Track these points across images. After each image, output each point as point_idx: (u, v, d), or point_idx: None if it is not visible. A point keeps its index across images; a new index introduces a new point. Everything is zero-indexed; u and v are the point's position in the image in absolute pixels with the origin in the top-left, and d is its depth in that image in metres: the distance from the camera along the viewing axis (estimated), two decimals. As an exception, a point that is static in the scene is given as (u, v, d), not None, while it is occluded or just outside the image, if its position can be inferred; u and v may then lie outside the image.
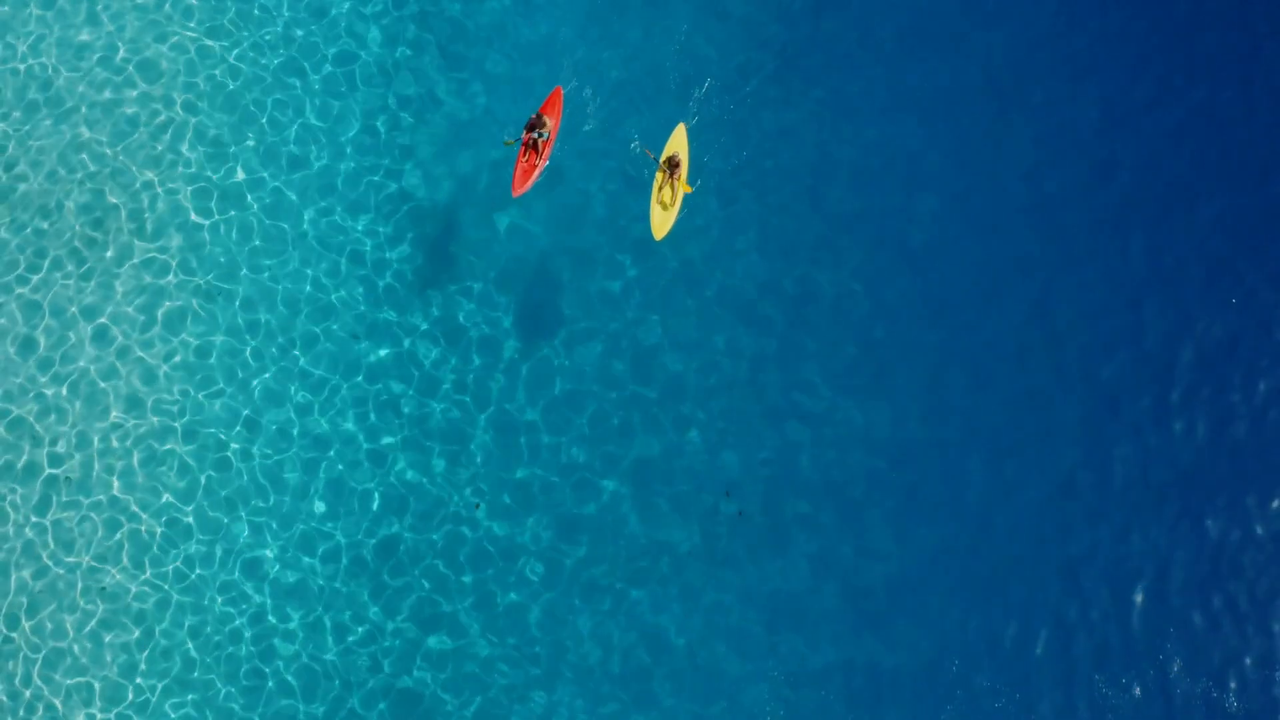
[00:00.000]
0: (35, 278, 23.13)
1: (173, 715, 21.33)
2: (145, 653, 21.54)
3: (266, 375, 22.79)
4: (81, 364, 22.73)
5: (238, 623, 21.73)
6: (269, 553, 21.96)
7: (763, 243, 23.14)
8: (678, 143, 22.42)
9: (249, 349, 22.89)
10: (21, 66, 24.27)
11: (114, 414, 22.48)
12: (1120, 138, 23.80)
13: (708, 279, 23.03)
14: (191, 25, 24.46)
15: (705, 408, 22.48)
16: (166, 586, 21.79)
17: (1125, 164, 23.67)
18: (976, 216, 23.54)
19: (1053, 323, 22.99)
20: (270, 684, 21.47)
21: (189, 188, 23.57)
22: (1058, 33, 24.41)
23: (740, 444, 22.37)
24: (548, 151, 22.26)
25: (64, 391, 22.61)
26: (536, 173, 22.18)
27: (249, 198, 23.63)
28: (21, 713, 21.35)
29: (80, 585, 21.82)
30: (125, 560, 21.92)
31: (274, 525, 22.11)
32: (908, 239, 23.48)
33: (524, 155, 22.05)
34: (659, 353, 22.72)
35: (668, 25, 24.11)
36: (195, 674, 21.44)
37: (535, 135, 21.83)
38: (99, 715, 21.32)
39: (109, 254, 23.28)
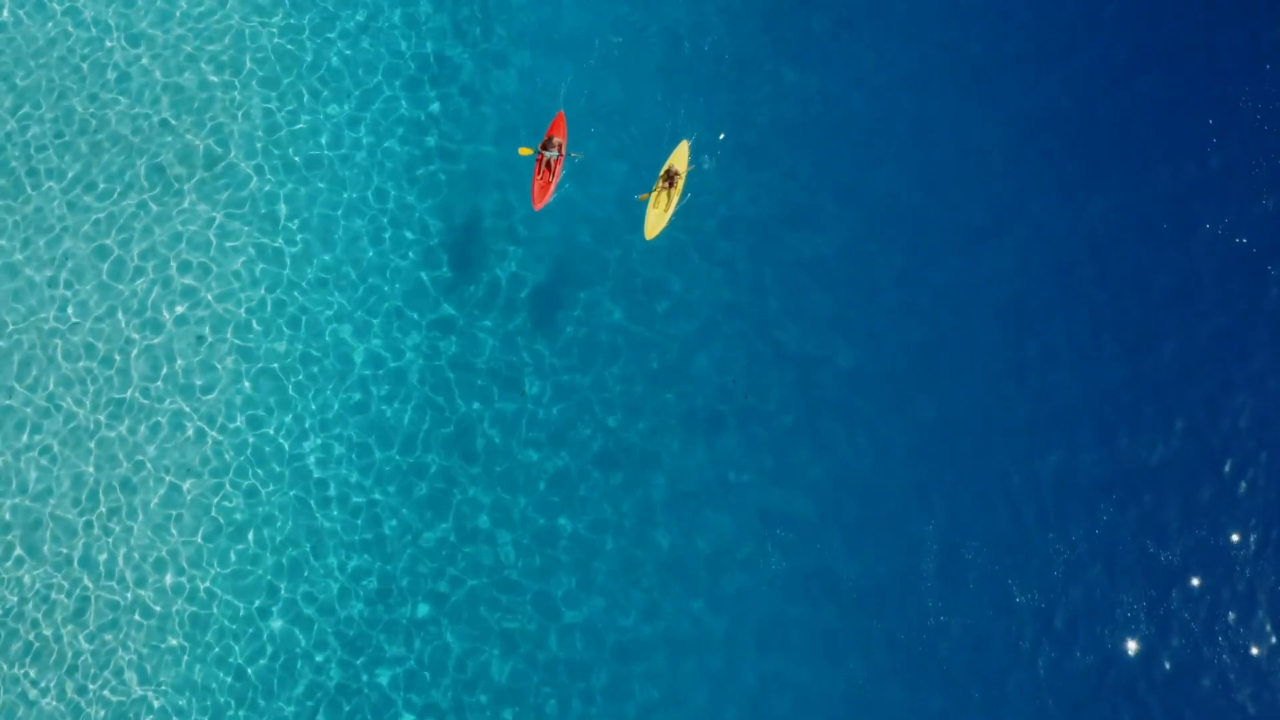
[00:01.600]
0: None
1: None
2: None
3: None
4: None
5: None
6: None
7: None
8: (679, 157, 24.42)
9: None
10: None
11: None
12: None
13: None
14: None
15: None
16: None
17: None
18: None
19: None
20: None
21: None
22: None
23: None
24: (559, 168, 24.26)
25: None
26: (552, 188, 24.33)
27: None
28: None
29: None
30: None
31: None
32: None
33: (539, 173, 24.20)
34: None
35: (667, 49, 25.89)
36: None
37: (548, 155, 24.02)
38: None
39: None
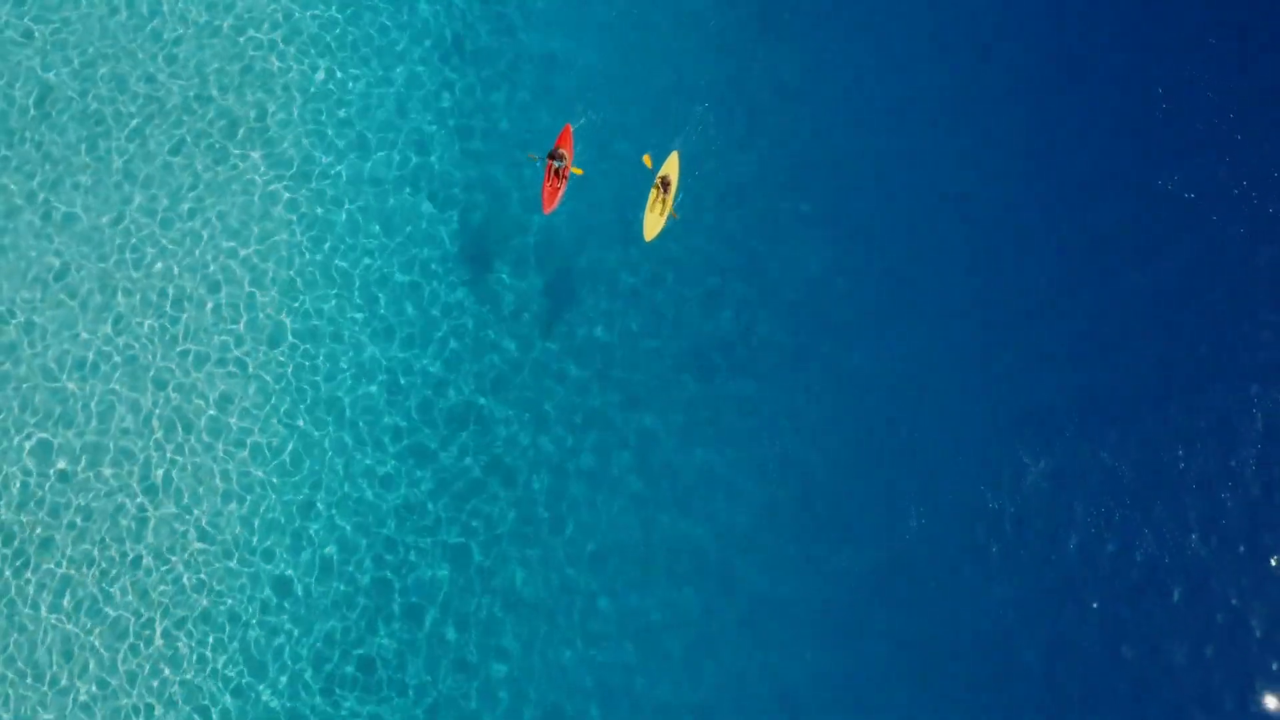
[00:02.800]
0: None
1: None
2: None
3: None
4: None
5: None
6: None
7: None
8: (670, 166, 26.96)
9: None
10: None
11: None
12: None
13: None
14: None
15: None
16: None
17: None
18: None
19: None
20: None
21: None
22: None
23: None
24: (566, 177, 26.79)
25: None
26: (560, 194, 26.69)
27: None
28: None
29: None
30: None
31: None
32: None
33: (548, 180, 26.65)
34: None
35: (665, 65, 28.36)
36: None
37: (556, 164, 26.43)
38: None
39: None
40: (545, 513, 25.64)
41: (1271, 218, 25.63)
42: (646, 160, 26.52)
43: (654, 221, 26.50)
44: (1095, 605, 24.16)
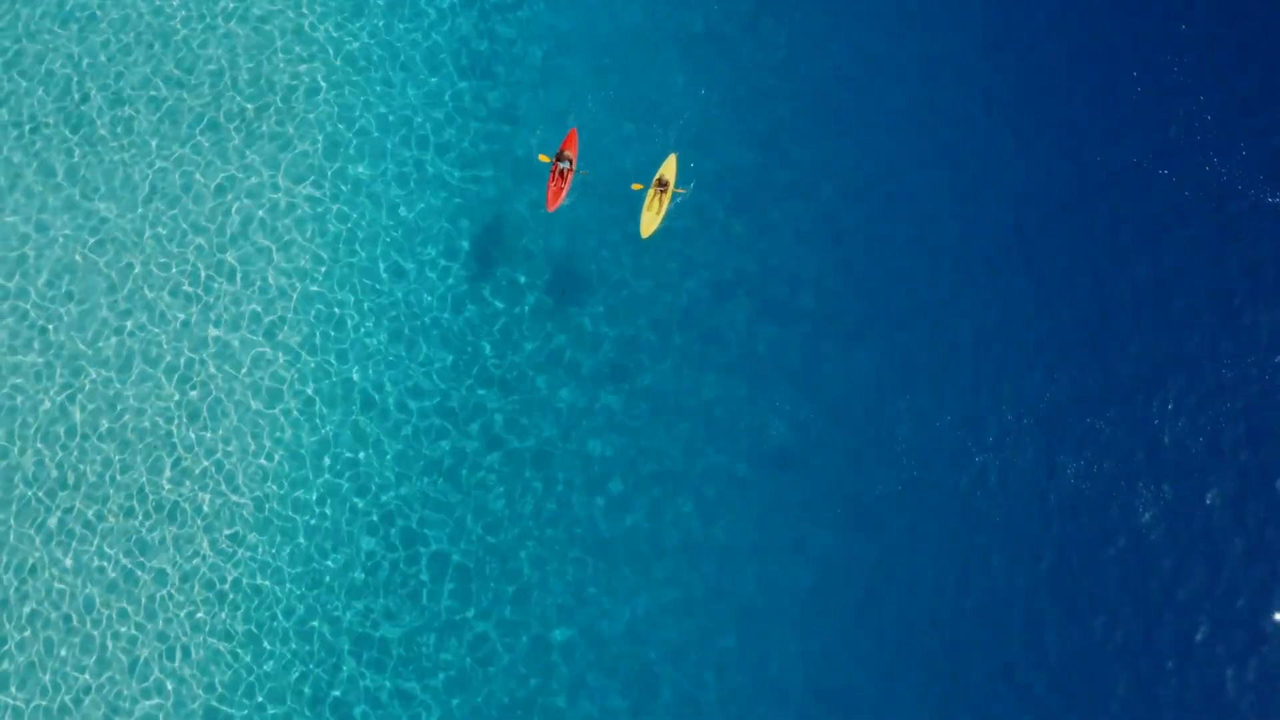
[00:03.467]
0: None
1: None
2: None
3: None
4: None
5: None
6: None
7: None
8: (668, 167, 28.47)
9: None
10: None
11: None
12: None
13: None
14: None
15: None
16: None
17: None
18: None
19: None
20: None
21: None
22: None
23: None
24: (570, 178, 28.40)
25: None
26: (563, 194, 28.34)
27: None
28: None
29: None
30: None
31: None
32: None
33: (553, 181, 28.30)
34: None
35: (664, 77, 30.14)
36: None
37: (561, 165, 28.08)
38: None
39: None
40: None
41: (1226, 180, 27.76)
42: (636, 186, 28.03)
43: (650, 220, 27.89)
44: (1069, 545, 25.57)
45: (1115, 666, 25.01)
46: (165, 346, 28.33)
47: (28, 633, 26.54)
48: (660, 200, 27.89)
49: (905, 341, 27.43)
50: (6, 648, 26.45)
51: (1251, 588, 25.12)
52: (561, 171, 28.02)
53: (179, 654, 26.16)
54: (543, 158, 28.29)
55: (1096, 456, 26.06)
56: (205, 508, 27.10)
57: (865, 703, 25.21)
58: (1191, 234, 27.41)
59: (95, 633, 26.39)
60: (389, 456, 27.28)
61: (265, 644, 26.13)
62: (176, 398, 27.90)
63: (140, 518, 27.11)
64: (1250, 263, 27.02)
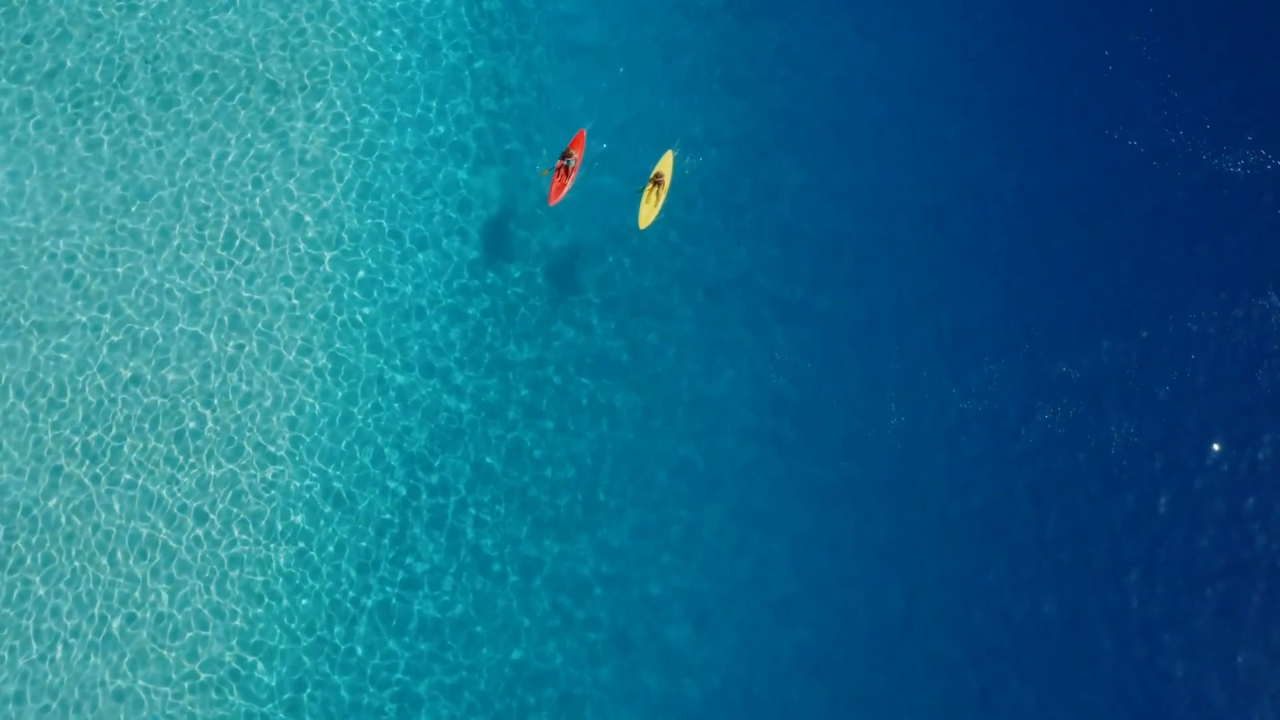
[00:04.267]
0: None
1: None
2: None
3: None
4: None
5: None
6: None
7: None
8: (665, 163, 30.54)
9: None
10: None
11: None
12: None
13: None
14: None
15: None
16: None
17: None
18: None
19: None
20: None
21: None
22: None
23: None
24: (574, 174, 30.24)
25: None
26: (566, 189, 30.18)
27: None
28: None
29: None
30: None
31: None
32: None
33: (557, 176, 30.10)
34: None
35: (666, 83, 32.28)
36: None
37: (565, 162, 29.90)
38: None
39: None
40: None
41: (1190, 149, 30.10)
42: (640, 190, 30.15)
43: (648, 212, 29.93)
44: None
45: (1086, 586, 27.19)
46: (203, 306, 30.26)
47: (78, 564, 28.40)
48: (657, 194, 29.99)
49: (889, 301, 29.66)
50: (57, 582, 28.27)
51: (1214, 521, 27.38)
52: (566, 168, 29.93)
53: (216, 588, 28.03)
54: (545, 173, 30.26)
55: (1070, 402, 28.36)
56: (245, 452, 29.03)
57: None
58: (1160, 198, 29.73)
59: (139, 568, 28.25)
60: (410, 402, 29.31)
61: (302, 577, 28.10)
62: (215, 351, 29.82)
63: (182, 462, 28.99)
64: (1213, 221, 29.36)
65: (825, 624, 27.48)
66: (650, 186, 29.81)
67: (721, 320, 29.71)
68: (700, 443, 28.80)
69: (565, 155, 29.92)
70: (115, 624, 27.94)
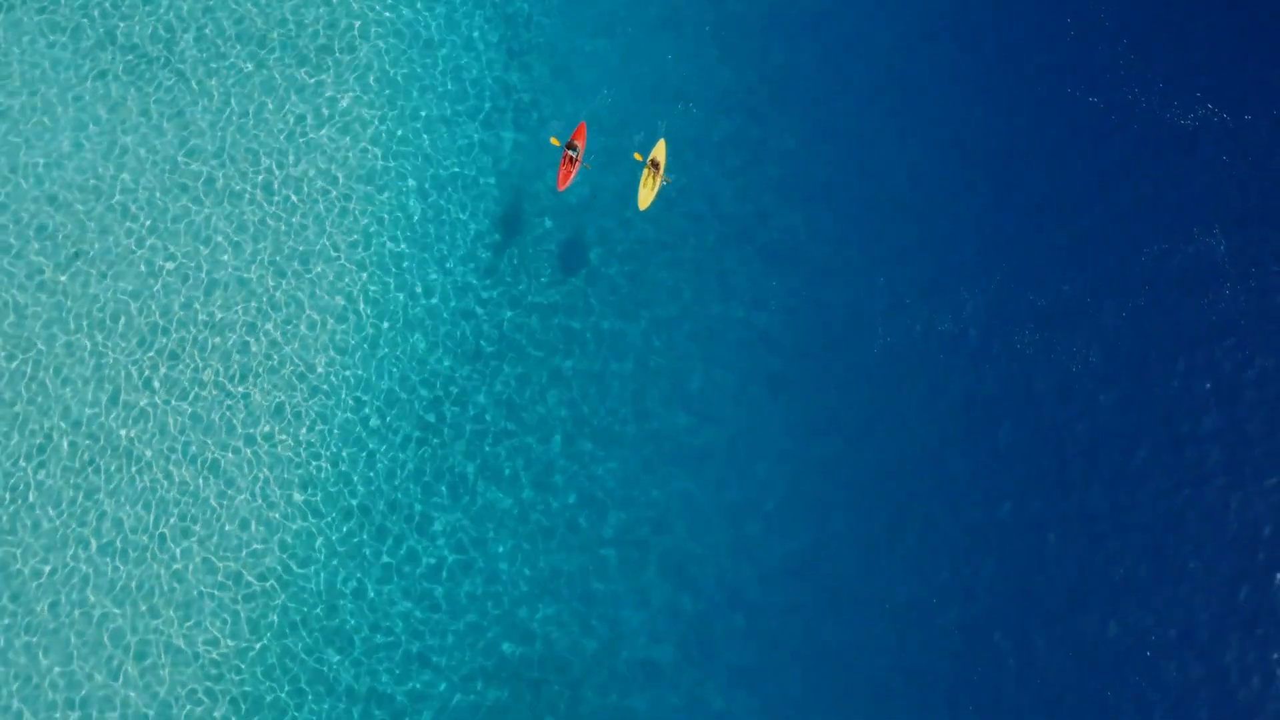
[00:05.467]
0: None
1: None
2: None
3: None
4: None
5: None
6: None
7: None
8: (659, 150, 33.38)
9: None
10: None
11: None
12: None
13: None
14: None
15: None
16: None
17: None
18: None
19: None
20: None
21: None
22: None
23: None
24: (579, 163, 33.12)
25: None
26: (571, 177, 32.98)
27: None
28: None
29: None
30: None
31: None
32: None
33: (564, 164, 32.95)
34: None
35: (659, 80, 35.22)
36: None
37: (571, 152, 32.68)
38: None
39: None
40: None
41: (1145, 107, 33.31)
42: (637, 156, 32.71)
43: (646, 195, 32.70)
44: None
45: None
46: (246, 246, 33.11)
47: (133, 469, 31.17)
48: (654, 179, 32.75)
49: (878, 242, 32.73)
50: (115, 485, 31.00)
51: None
52: (571, 158, 32.67)
53: (263, 497, 30.79)
54: (555, 141, 32.77)
55: (1036, 328, 31.43)
56: (287, 377, 31.85)
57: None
58: (1117, 148, 32.87)
59: (194, 480, 31.00)
60: (431, 326, 32.22)
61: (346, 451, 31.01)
62: (257, 288, 32.65)
63: (231, 389, 31.79)
64: (1165, 167, 32.50)
65: (810, 531, 30.41)
66: (647, 172, 32.60)
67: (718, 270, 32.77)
68: (697, 363, 31.87)
69: (570, 146, 32.67)
70: (170, 528, 30.71)
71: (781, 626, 29.71)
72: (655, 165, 32.68)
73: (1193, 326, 31.07)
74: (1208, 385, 30.77)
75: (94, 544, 30.68)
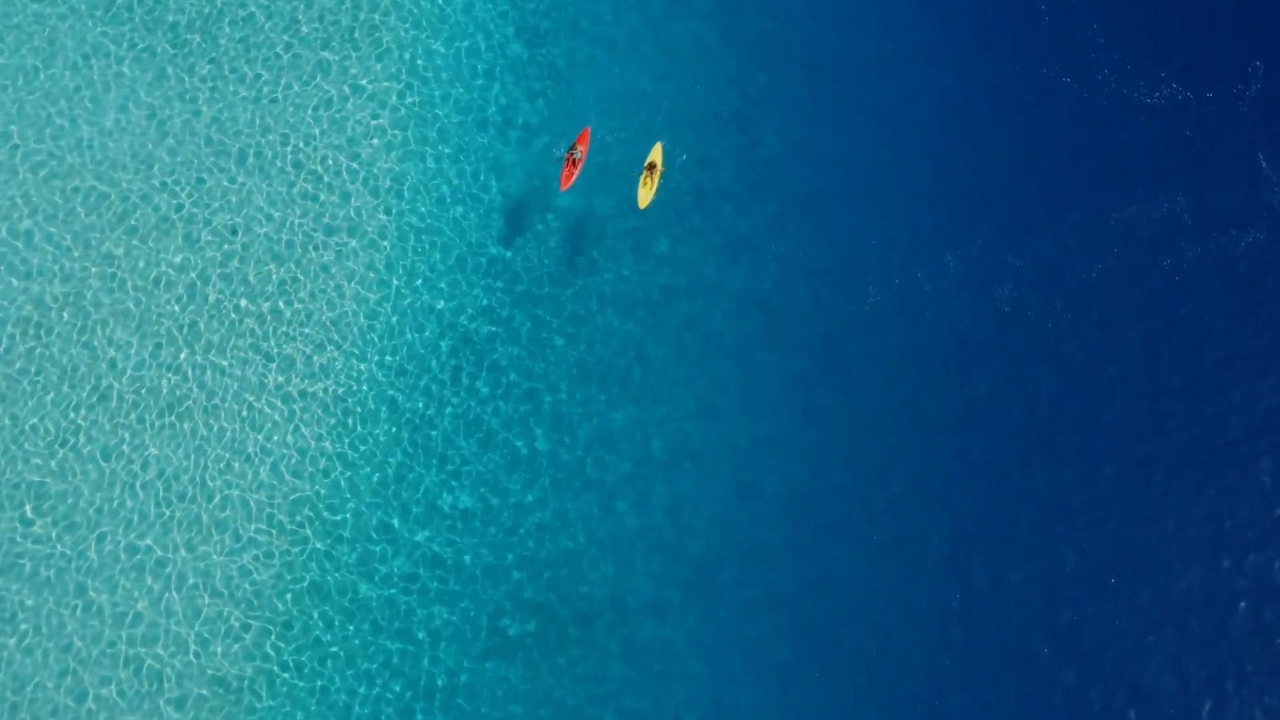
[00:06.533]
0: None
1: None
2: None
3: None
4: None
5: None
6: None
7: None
8: (656, 153, 35.67)
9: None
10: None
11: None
12: None
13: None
14: None
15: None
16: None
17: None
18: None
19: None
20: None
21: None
22: None
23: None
24: (580, 166, 35.36)
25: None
26: (574, 178, 35.21)
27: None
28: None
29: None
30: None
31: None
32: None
33: (566, 166, 35.24)
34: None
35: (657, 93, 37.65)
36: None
37: (573, 155, 34.97)
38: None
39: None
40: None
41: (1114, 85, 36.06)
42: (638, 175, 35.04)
43: (645, 195, 34.88)
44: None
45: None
46: (276, 215, 35.62)
47: (170, 417, 33.65)
48: (652, 179, 35.11)
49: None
50: (160, 434, 33.39)
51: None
52: (574, 160, 34.95)
53: (293, 438, 33.17)
54: (559, 157, 35.13)
55: (1015, 284, 34.00)
56: (313, 332, 34.30)
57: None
58: (1089, 123, 35.56)
59: (229, 425, 33.40)
60: (446, 293, 34.73)
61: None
62: (287, 251, 35.14)
63: (267, 348, 34.23)
64: (1132, 141, 35.21)
65: (806, 472, 32.81)
66: (645, 173, 34.85)
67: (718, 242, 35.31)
68: (693, 326, 34.46)
69: (573, 149, 34.96)
70: (209, 474, 33.10)
71: (777, 563, 32.07)
72: (652, 168, 34.87)
73: (1156, 284, 33.61)
74: (1172, 339, 33.28)
75: (139, 486, 33.12)
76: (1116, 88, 35.65)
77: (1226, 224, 33.95)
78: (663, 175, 35.08)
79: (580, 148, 35.10)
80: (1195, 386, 32.73)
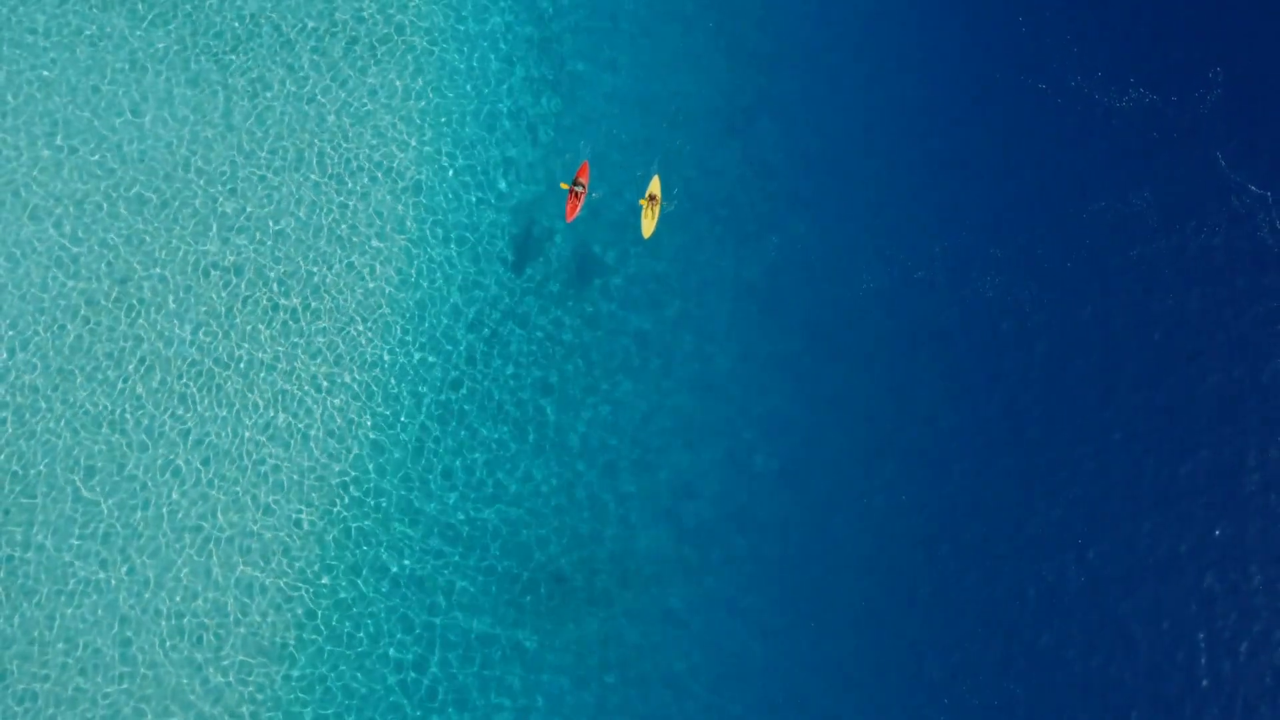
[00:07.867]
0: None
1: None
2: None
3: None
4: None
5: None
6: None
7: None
8: (654, 185, 38.29)
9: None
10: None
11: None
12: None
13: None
14: None
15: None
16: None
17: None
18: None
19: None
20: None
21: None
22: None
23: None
24: (583, 198, 37.88)
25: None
26: (578, 210, 37.69)
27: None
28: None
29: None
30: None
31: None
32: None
33: (570, 200, 37.76)
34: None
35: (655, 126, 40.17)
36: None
37: (576, 189, 37.52)
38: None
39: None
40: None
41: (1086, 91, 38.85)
42: (564, 185, 37.25)
43: (649, 224, 37.42)
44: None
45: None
46: (307, 202, 38.04)
47: (214, 390, 36.06)
48: (653, 210, 37.66)
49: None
50: (202, 407, 35.69)
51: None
52: (576, 193, 37.33)
53: (329, 402, 35.50)
54: (564, 185, 37.28)
55: (996, 272, 36.65)
56: (343, 311, 36.72)
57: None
58: (1061, 125, 38.34)
59: (261, 399, 35.72)
60: (463, 279, 37.18)
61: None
62: (314, 240, 37.53)
63: (304, 327, 36.60)
64: (1102, 141, 38.05)
65: (803, 449, 35.30)
66: (646, 204, 37.34)
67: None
68: (693, 305, 37.10)
69: (576, 183, 37.25)
70: (250, 441, 35.59)
71: (775, 532, 34.51)
72: (653, 199, 37.31)
73: (1122, 270, 36.42)
74: (1136, 318, 36.04)
75: (182, 451, 35.52)
76: (1088, 93, 38.41)
77: (1186, 215, 36.78)
78: (662, 205, 37.73)
79: (582, 181, 37.40)
80: (1157, 376, 35.52)
